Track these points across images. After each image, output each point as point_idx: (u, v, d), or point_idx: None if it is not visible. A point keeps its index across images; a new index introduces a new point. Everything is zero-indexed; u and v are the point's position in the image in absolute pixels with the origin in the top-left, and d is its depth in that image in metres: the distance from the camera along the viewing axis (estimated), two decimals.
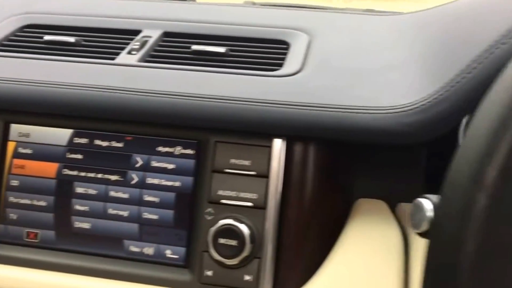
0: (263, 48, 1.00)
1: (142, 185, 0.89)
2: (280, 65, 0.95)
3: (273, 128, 0.84)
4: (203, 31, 1.04)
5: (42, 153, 0.92)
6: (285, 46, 1.01)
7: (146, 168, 0.90)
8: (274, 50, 1.00)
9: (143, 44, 1.01)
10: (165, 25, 1.07)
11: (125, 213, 0.89)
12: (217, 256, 0.83)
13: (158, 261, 0.88)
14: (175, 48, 1.01)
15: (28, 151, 0.93)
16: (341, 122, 0.81)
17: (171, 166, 0.89)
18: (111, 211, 0.90)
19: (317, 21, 1.06)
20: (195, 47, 0.99)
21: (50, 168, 0.92)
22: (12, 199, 0.92)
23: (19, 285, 0.87)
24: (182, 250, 0.88)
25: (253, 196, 0.85)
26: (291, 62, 0.94)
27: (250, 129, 0.85)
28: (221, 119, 0.85)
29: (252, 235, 0.83)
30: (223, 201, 0.86)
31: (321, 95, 0.84)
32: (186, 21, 1.08)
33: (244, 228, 0.83)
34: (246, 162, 0.86)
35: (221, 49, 0.98)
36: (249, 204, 0.85)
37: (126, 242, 0.89)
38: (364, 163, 0.94)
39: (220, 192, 0.86)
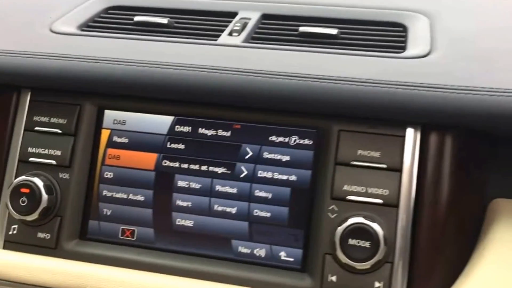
0: (378, 30, 0.91)
1: (252, 178, 0.80)
2: (401, 48, 0.86)
3: (409, 114, 0.74)
4: (308, 13, 0.95)
5: (139, 143, 0.83)
6: (401, 28, 0.92)
7: (257, 160, 0.80)
8: (391, 32, 0.91)
9: (244, 26, 0.92)
10: (262, 6, 0.99)
11: (233, 210, 0.80)
12: (345, 259, 0.73)
13: (271, 263, 0.79)
14: (279, 30, 0.92)
15: (124, 140, 0.84)
16: (494, 106, 0.71)
17: (285, 158, 0.79)
18: (217, 207, 0.81)
19: (434, 3, 0.96)
20: (303, 28, 0.90)
21: (148, 159, 0.83)
22: (106, 193, 0.83)
23: (113, 286, 0.78)
24: (298, 252, 0.78)
25: (384, 192, 0.75)
26: (416, 44, 0.85)
27: (381, 115, 0.75)
28: (348, 104, 0.75)
29: (385, 236, 0.73)
30: (350, 197, 0.76)
31: (464, 77, 0.74)
32: (283, 2, 0.99)
33: (377, 228, 0.73)
34: (376, 154, 0.76)
35: (333, 31, 0.89)
36: (379, 201, 0.75)
37: (234, 242, 0.80)
38: (500, 159, 0.83)
39: (346, 187, 0.76)
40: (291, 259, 0.78)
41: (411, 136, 0.75)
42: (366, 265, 0.73)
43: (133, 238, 0.82)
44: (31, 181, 0.81)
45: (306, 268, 0.77)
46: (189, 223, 0.81)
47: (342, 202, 0.76)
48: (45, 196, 0.81)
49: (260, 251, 0.79)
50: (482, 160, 0.81)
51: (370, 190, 0.75)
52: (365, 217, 0.74)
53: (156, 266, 0.80)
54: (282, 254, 0.79)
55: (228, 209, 0.80)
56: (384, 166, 0.76)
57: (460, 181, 0.77)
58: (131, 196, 0.83)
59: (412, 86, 0.73)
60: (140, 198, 0.82)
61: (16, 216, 0.81)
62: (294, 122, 0.79)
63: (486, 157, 0.82)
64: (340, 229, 0.74)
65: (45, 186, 0.81)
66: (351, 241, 0.73)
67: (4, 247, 0.84)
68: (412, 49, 0.83)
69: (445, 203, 0.75)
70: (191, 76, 0.79)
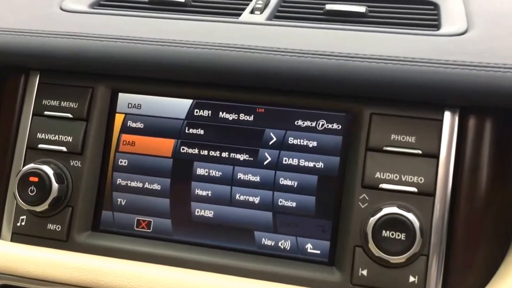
0: (408, 8, 0.86)
1: (276, 166, 0.75)
2: (435, 26, 0.80)
3: (448, 95, 0.68)
4: None
5: (156, 128, 0.78)
6: (432, 6, 0.86)
7: (282, 146, 0.75)
8: (422, 10, 0.85)
9: (266, 3, 0.87)
10: None
11: (255, 199, 0.75)
12: (378, 252, 0.68)
13: (296, 256, 0.74)
14: (304, 8, 0.87)
15: (139, 125, 0.79)
16: None
17: (312, 144, 0.74)
18: (238, 196, 0.75)
19: None
20: (329, 6, 0.84)
21: (165, 146, 0.78)
22: (120, 181, 0.78)
23: (129, 281, 0.72)
24: (326, 244, 0.73)
25: (419, 180, 0.70)
26: (451, 22, 0.79)
27: (417, 97, 0.70)
28: (381, 84, 0.69)
29: (421, 227, 0.68)
30: (382, 185, 0.70)
31: (509, 55, 0.68)
32: None
33: (413, 219, 0.68)
34: (410, 139, 0.71)
35: (361, 9, 0.83)
36: (414, 189, 0.70)
37: (257, 233, 0.75)
38: None
39: (378, 175, 0.71)
40: (318, 252, 0.73)
41: (449, 120, 0.70)
42: (401, 258, 0.68)
43: (149, 229, 0.77)
44: (40, 169, 0.76)
45: (334, 261, 0.72)
46: (208, 213, 0.76)
47: (374, 190, 0.71)
48: (55, 185, 0.76)
49: (285, 243, 0.74)
50: None
51: (404, 178, 0.70)
52: (399, 207, 0.68)
53: (173, 259, 0.75)
54: (309, 247, 0.74)
55: (251, 199, 0.75)
56: (419, 152, 0.70)
57: (500, 168, 0.72)
58: (147, 185, 0.78)
59: (452, 64, 0.68)
60: (156, 187, 0.77)
61: (25, 206, 0.77)
62: (322, 105, 0.74)
63: None
64: (372, 220, 0.68)
65: (55, 175, 0.76)
66: (385, 233, 0.68)
67: (12, 240, 0.79)
68: (448, 26, 0.78)
69: (484, 192, 0.70)
70: (211, 55, 0.74)
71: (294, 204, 0.74)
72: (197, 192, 0.76)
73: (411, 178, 0.70)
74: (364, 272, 0.70)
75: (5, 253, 0.76)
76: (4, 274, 0.75)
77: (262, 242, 0.75)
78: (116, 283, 0.72)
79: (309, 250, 0.74)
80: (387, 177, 0.71)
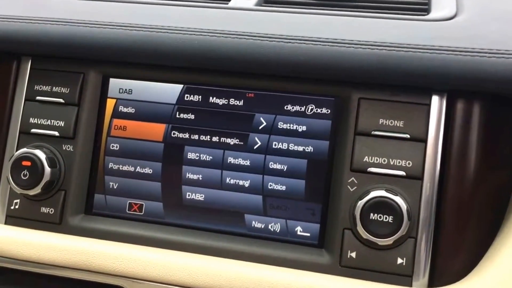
0: None
1: (266, 150, 0.76)
2: (424, 10, 0.81)
3: (435, 80, 0.69)
4: None
5: (147, 113, 0.79)
6: None
7: (272, 130, 0.76)
8: None
9: None
10: None
11: (246, 183, 0.76)
12: (366, 235, 0.69)
13: (286, 239, 0.75)
14: None
15: (131, 110, 0.79)
16: None
17: (301, 128, 0.75)
18: (229, 180, 0.76)
19: None
20: None
21: (156, 130, 0.78)
22: (112, 165, 0.79)
23: (120, 263, 0.74)
24: (315, 227, 0.74)
25: (407, 163, 0.71)
26: (441, 6, 0.80)
27: (405, 82, 0.71)
28: (369, 69, 0.70)
29: (408, 210, 0.69)
30: (370, 169, 0.71)
31: (497, 40, 0.69)
32: None
33: (400, 202, 0.69)
34: (398, 123, 0.71)
35: None
36: (402, 173, 0.71)
37: (248, 216, 0.76)
38: None
39: (366, 159, 0.72)
40: (308, 235, 0.74)
41: (437, 104, 0.71)
42: (389, 240, 0.69)
43: (141, 212, 0.78)
44: (32, 154, 0.77)
45: (323, 243, 0.73)
46: (199, 196, 0.77)
47: (362, 174, 0.71)
48: (47, 169, 0.77)
49: (275, 226, 0.75)
50: None
51: (392, 162, 0.71)
52: (387, 190, 0.69)
53: (165, 242, 0.76)
54: (298, 229, 0.75)
55: (241, 182, 0.76)
56: (407, 136, 0.71)
57: (489, 153, 0.72)
58: (138, 169, 0.78)
59: (439, 50, 0.68)
60: (148, 171, 0.78)
61: (18, 190, 0.77)
62: (311, 90, 0.75)
63: None
64: (360, 203, 0.69)
65: (48, 159, 0.77)
66: (373, 216, 0.69)
67: (6, 222, 0.80)
68: (437, 11, 0.78)
69: (472, 176, 0.71)
70: (201, 41, 0.74)
71: (284, 188, 0.75)
72: (188, 176, 0.77)
73: (399, 162, 0.71)
74: (353, 254, 0.71)
75: None
76: None
77: (252, 225, 0.76)
78: (108, 265, 0.73)
79: (299, 233, 0.75)
80: (375, 161, 0.71)
